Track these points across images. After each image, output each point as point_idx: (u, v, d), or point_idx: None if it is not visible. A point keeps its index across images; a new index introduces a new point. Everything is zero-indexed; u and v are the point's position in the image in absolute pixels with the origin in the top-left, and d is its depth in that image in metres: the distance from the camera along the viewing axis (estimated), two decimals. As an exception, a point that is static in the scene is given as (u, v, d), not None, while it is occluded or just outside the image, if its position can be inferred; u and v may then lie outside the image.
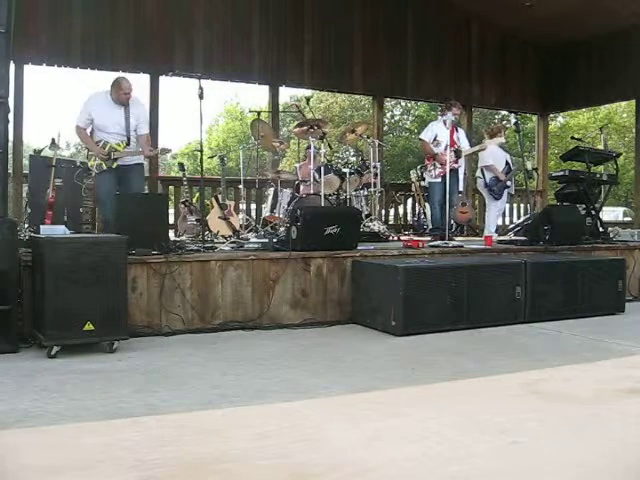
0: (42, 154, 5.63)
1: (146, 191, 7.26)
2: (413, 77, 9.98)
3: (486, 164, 8.23)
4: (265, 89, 9.27)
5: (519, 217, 10.55)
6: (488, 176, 8.22)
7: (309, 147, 7.17)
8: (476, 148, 7.97)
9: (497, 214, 8.62)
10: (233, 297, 4.97)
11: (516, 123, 7.46)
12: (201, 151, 5.71)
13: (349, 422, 2.79)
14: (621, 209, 20.62)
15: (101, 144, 5.71)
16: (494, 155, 8.20)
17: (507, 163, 8.31)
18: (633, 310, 5.90)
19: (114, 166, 5.71)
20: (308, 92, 14.89)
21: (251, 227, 7.16)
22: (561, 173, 7.71)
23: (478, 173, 8.48)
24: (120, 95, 5.68)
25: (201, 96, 5.55)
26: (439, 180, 7.29)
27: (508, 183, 8.27)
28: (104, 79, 6.06)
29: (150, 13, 8.10)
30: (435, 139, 7.46)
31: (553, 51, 10.76)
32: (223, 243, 6.12)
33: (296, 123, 7.87)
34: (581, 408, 3.01)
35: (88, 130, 5.82)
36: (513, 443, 2.53)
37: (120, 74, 6.02)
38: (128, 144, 5.77)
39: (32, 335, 4.19)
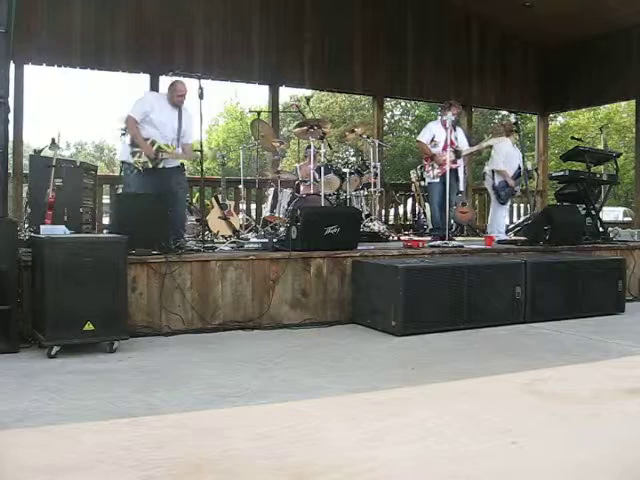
0: (42, 154, 5.61)
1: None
2: (413, 77, 9.97)
3: (497, 167, 7.96)
4: (265, 89, 9.27)
5: (519, 217, 10.54)
6: (497, 179, 7.97)
7: (309, 147, 7.17)
8: (475, 148, 7.89)
9: (504, 215, 8.44)
10: (233, 297, 4.97)
11: (516, 123, 7.44)
12: (201, 151, 5.71)
13: (349, 422, 2.79)
14: (621, 209, 20.58)
15: (149, 142, 5.61)
16: (508, 155, 7.89)
17: (519, 166, 7.82)
18: (633, 310, 5.90)
19: (160, 166, 5.63)
20: (308, 92, 14.90)
21: (251, 227, 7.15)
22: (561, 173, 7.69)
23: (487, 171, 8.28)
24: (175, 97, 5.72)
25: (201, 96, 5.55)
26: (438, 180, 7.26)
27: (516, 188, 8.00)
28: (104, 79, 6.06)
29: (150, 13, 8.09)
30: (433, 140, 7.42)
31: (553, 51, 10.75)
32: (223, 243, 6.12)
33: (296, 123, 7.85)
34: (581, 408, 3.01)
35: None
36: (513, 443, 2.53)
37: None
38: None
39: (32, 335, 4.19)
